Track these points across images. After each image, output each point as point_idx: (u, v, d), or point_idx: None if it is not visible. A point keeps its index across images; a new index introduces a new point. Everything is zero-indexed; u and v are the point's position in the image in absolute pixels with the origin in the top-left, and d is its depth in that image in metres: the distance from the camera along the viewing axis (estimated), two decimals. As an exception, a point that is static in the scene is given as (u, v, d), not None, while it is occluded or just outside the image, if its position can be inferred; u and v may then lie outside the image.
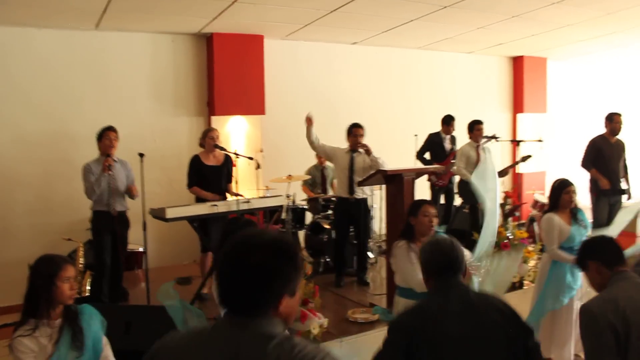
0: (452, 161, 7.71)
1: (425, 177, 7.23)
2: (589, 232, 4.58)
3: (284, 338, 1.51)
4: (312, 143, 6.49)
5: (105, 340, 2.91)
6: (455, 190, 7.71)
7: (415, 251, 3.68)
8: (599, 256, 2.84)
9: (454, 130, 7.82)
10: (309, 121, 6.39)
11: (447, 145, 7.84)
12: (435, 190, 7.71)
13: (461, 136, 7.64)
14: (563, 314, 4.50)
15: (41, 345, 2.66)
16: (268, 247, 1.57)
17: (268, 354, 1.46)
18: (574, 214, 4.53)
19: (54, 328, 2.71)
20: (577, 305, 4.39)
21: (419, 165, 7.62)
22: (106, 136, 5.57)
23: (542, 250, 6.85)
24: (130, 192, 5.73)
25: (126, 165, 5.78)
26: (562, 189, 4.51)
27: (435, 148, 7.81)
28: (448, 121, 7.78)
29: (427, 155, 7.85)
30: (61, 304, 2.75)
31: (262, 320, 1.54)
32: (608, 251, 2.84)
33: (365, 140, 6.32)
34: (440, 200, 7.82)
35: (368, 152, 6.22)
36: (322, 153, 6.76)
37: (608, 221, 6.95)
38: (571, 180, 4.59)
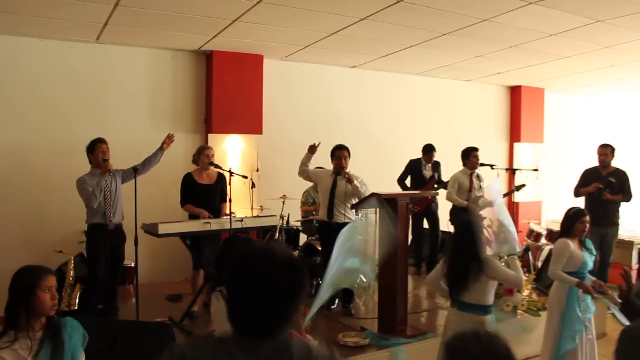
0: (436, 186, 7.74)
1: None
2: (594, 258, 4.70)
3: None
4: (304, 170, 6.25)
5: (83, 356, 2.83)
6: (448, 217, 7.68)
7: None
8: None
9: (434, 158, 7.89)
10: (312, 149, 6.19)
11: (427, 172, 7.90)
12: (414, 216, 7.77)
13: (456, 162, 7.64)
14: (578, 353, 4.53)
15: (20, 358, 2.60)
16: (289, 264, 1.53)
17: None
18: (582, 242, 4.65)
19: (34, 340, 2.65)
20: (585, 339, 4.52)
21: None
22: (98, 148, 5.51)
23: (536, 280, 6.85)
24: None
25: (118, 172, 5.68)
26: (577, 217, 4.65)
27: (414, 174, 7.88)
28: (427, 151, 7.87)
29: (407, 182, 7.92)
30: (42, 315, 2.69)
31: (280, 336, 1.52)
32: None
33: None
34: (423, 224, 7.95)
35: (349, 180, 5.89)
36: (307, 178, 6.39)
37: (600, 252, 6.93)
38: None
